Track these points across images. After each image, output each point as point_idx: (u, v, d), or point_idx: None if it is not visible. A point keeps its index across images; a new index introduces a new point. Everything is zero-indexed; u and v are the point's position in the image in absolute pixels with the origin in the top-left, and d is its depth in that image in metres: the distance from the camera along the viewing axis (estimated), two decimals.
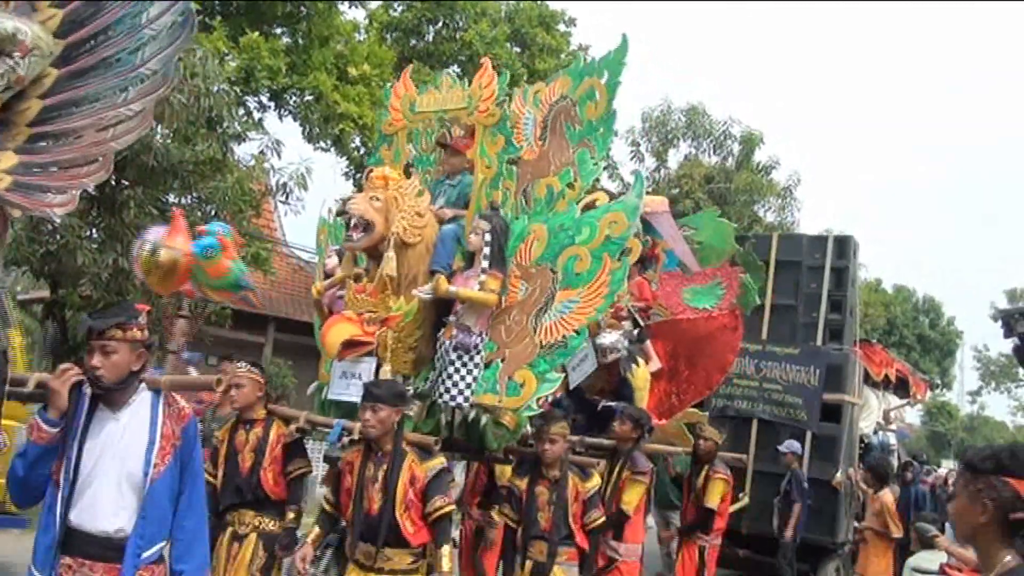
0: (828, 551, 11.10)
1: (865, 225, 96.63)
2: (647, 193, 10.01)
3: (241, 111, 15.02)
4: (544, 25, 25.16)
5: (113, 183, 13.83)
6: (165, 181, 13.42)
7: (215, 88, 12.41)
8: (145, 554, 3.78)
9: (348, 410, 5.96)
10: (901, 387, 15.64)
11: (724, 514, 8.64)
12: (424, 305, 6.12)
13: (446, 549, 5.21)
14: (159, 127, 12.72)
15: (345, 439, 5.69)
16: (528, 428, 6.33)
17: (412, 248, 6.15)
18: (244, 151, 15.73)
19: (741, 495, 10.00)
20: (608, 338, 7.87)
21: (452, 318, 6.08)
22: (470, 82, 6.66)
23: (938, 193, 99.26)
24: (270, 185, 15.36)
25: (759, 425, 11.26)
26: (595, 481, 6.40)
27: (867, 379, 13.31)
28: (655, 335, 8.71)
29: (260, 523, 5.93)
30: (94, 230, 13.79)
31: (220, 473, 5.99)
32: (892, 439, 14.49)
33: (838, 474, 10.91)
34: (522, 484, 6.38)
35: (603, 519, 6.41)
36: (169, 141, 12.94)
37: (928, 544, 7.43)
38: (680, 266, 9.71)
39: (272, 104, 16.44)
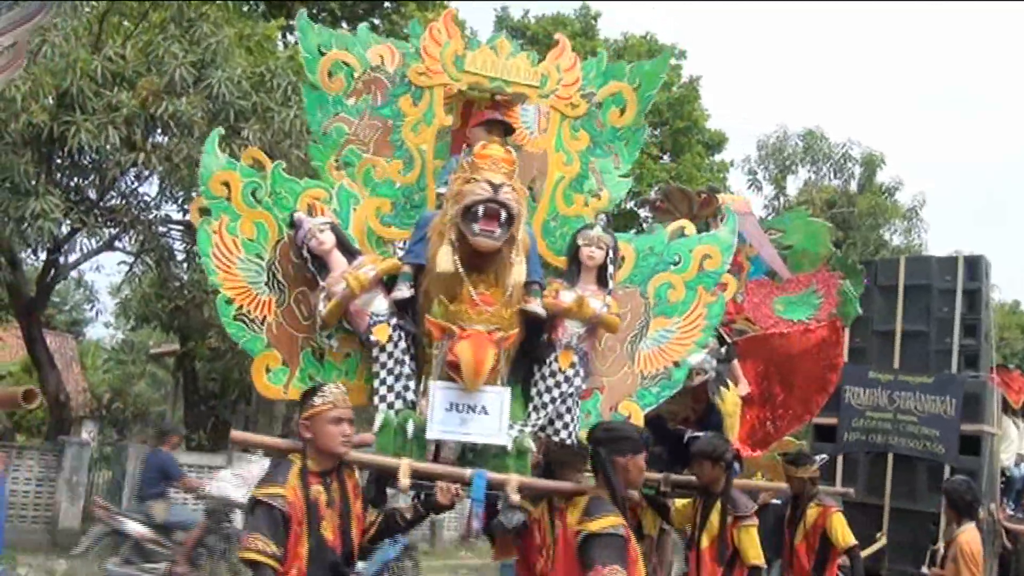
0: None
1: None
2: (734, 197, 9.46)
3: None
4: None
5: None
6: None
7: None
8: None
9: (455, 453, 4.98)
10: None
11: (837, 553, 7.55)
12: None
13: None
14: None
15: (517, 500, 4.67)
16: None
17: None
18: None
19: (879, 535, 9.57)
20: (695, 358, 7.20)
21: (568, 340, 5.22)
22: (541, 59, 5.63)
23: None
24: None
25: (895, 460, 10.80)
26: None
27: (1005, 407, 12.68)
28: (743, 354, 7.79)
29: None
30: None
31: (305, 552, 4.18)
32: None
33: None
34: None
35: None
36: None
37: None
38: (768, 274, 8.71)
39: None
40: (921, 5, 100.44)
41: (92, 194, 13.26)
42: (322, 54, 5.38)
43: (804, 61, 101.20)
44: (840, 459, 10.93)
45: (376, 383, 4.91)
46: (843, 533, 7.34)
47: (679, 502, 6.83)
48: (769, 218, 24.25)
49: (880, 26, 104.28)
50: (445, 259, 4.78)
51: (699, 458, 6.36)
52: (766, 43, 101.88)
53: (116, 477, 14.85)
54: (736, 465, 7.19)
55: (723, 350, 7.61)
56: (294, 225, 5.09)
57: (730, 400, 7.26)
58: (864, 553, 8.95)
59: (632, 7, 69.10)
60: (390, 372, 4.89)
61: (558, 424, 5.16)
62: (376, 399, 4.92)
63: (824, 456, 8.10)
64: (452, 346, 4.74)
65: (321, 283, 5.01)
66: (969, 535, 7.71)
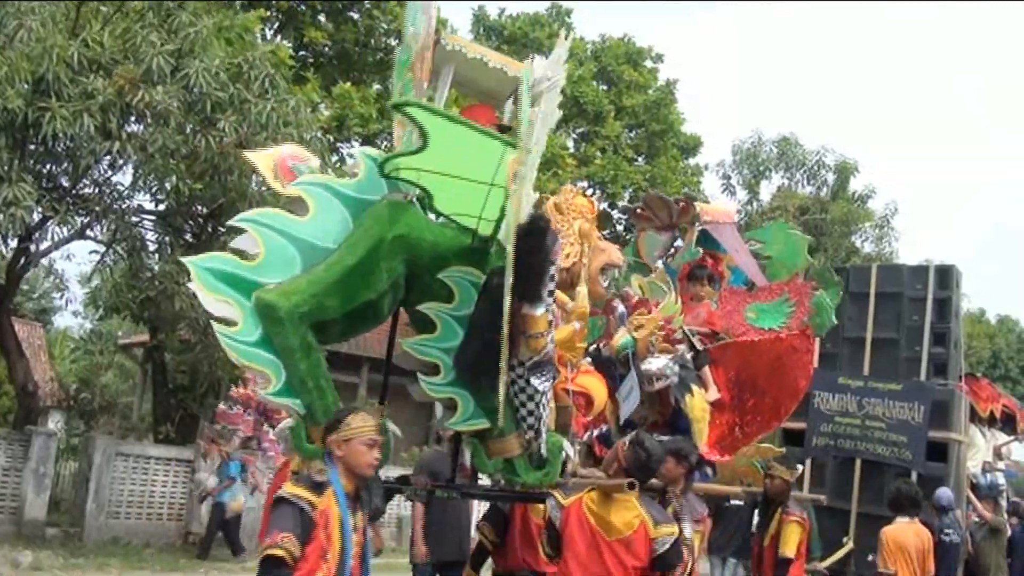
0: None
1: None
2: (716, 207, 9.49)
3: (334, 157, 15.32)
4: (631, 62, 25.18)
5: (210, 230, 14.16)
6: None
7: (308, 136, 12.67)
8: None
9: None
10: (1008, 423, 15.05)
11: (800, 562, 7.66)
12: None
13: None
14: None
15: None
16: None
17: None
18: None
19: (845, 539, 9.64)
20: (655, 363, 7.00)
21: None
22: None
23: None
24: None
25: (863, 465, 10.89)
26: None
27: (973, 415, 12.82)
28: (714, 360, 7.84)
29: None
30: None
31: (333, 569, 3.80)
32: (1000, 479, 13.91)
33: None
34: None
35: None
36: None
37: None
38: (747, 283, 8.76)
39: None
40: (902, 8, 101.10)
41: (65, 182, 13.14)
42: None
43: (780, 67, 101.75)
44: (808, 463, 11.02)
45: (540, 408, 4.82)
46: (786, 542, 7.37)
47: None
48: (742, 223, 24.41)
49: (858, 30, 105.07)
50: (587, 300, 5.11)
51: (666, 454, 6.19)
52: (743, 49, 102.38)
53: (83, 468, 14.73)
54: (708, 470, 7.21)
55: (691, 356, 7.64)
56: (542, 229, 4.37)
57: (698, 406, 7.29)
58: (831, 558, 9.04)
59: (609, 10, 69.17)
60: (545, 395, 4.83)
61: None
62: (541, 424, 4.87)
63: (800, 466, 8.12)
64: (574, 377, 5.23)
65: (550, 301, 4.45)
66: (890, 527, 7.85)
